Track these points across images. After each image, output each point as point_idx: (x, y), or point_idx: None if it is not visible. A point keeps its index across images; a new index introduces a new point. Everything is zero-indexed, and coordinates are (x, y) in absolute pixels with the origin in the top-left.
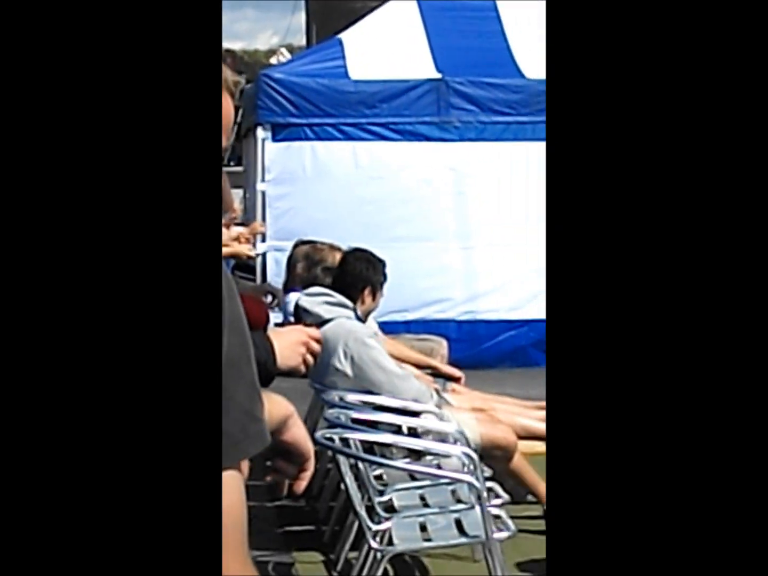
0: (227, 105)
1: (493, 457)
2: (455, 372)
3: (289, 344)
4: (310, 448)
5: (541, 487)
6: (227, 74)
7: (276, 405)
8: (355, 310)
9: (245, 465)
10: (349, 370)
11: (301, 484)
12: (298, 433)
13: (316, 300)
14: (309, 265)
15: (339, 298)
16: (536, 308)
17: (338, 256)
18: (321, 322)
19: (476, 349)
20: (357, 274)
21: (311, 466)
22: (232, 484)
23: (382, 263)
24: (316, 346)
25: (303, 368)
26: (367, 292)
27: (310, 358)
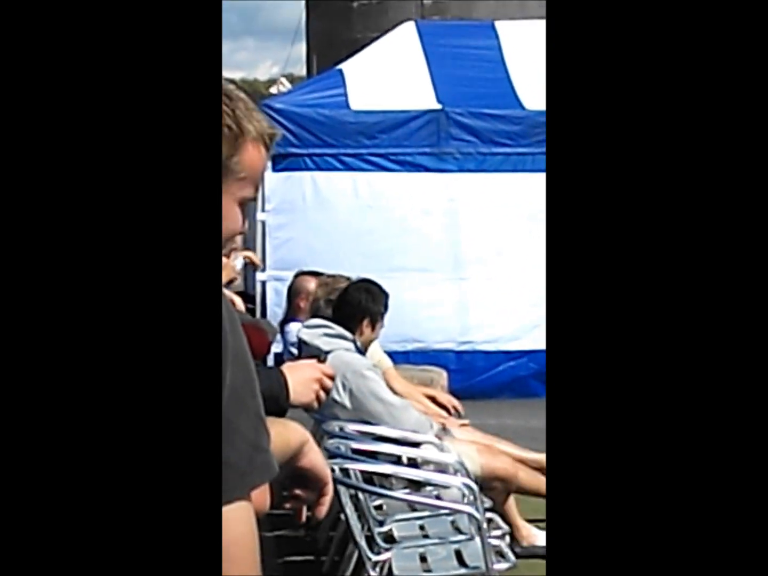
0: (259, 156)
1: (493, 488)
2: (452, 401)
3: (303, 380)
4: (327, 473)
5: (523, 530)
6: (263, 126)
7: (292, 432)
8: (354, 341)
9: (266, 495)
10: (347, 402)
11: (322, 509)
12: (315, 458)
13: (315, 332)
14: (327, 292)
15: (338, 329)
16: (535, 339)
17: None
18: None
19: (475, 379)
20: (356, 305)
21: (330, 490)
22: (242, 515)
23: (384, 294)
24: (329, 383)
25: (316, 404)
26: (366, 323)
27: (323, 395)
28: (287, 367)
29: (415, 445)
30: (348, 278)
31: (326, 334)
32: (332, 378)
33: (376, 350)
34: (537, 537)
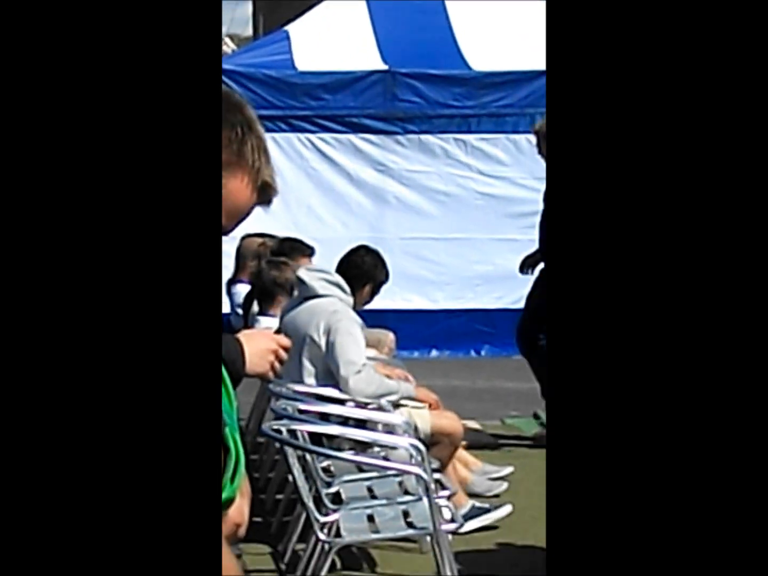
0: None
1: (440, 443)
2: (430, 397)
3: (258, 350)
4: None
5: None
6: (264, 169)
7: None
8: (353, 296)
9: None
10: (322, 343)
11: None
12: None
13: (315, 275)
14: (258, 260)
15: (337, 278)
16: (476, 298)
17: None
18: (313, 296)
19: (418, 338)
20: (364, 268)
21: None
22: None
23: (385, 267)
24: (284, 355)
25: (271, 375)
26: (367, 289)
27: (278, 366)
28: (243, 336)
29: (363, 405)
30: (295, 239)
31: (325, 279)
32: (287, 349)
33: None
34: (466, 505)
